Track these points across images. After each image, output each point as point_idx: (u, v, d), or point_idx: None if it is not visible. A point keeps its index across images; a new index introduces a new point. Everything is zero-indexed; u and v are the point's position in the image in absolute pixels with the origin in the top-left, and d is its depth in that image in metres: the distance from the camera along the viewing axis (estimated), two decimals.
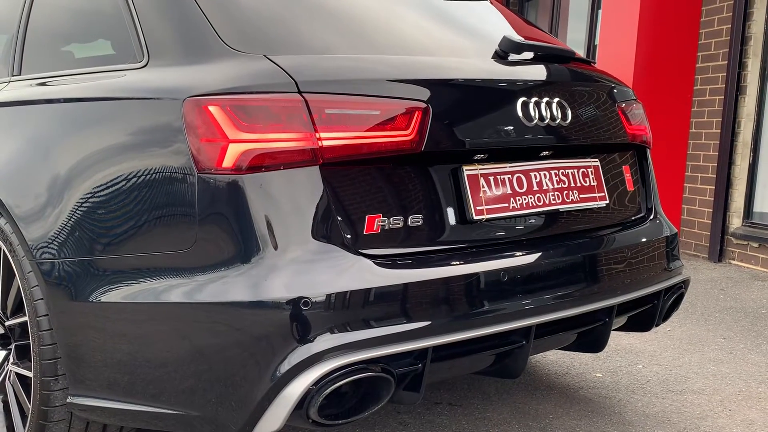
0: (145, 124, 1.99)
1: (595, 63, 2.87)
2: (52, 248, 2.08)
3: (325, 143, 1.86)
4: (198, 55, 1.99)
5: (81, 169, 2.09)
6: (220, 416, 1.87)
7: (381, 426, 2.69)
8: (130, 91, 2.05)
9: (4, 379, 2.34)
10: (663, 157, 6.22)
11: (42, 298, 2.09)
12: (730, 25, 6.01)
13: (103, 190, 2.01)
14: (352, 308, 1.83)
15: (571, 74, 2.48)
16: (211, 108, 1.84)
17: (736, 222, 6.00)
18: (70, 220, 2.06)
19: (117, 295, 1.95)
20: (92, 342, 2.03)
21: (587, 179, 2.40)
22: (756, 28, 5.84)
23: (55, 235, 2.08)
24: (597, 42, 7.29)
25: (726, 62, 6.05)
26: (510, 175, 2.20)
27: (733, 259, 6.00)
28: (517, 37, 2.35)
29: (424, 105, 1.99)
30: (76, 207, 2.06)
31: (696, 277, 5.42)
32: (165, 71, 2.01)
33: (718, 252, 6.07)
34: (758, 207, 5.95)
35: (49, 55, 2.64)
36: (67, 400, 2.08)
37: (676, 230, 2.70)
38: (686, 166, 6.50)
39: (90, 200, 2.04)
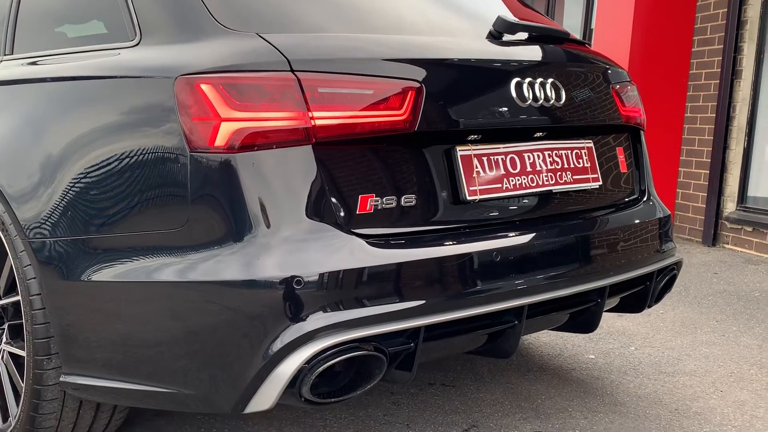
0: (137, 103, 1.98)
1: (589, 44, 2.86)
2: (45, 228, 2.08)
3: (318, 122, 1.86)
4: (190, 33, 1.97)
5: (73, 148, 2.08)
6: (213, 395, 1.88)
7: (374, 406, 2.70)
8: (122, 70, 2.04)
9: None
10: (658, 141, 6.22)
11: (34, 277, 2.09)
12: (726, 9, 6.00)
13: (95, 169, 2.01)
14: (344, 287, 1.83)
15: (565, 55, 2.47)
16: (203, 86, 1.83)
17: (730, 206, 6.01)
18: (62, 199, 2.06)
19: (109, 274, 1.95)
20: (85, 321, 2.03)
21: (581, 160, 2.40)
22: (752, 12, 5.83)
23: (48, 215, 2.08)
24: (593, 26, 7.27)
25: (722, 46, 6.04)
26: (503, 156, 2.19)
27: (727, 243, 6.02)
28: (512, 18, 2.34)
29: (417, 85, 1.99)
30: (69, 186, 2.05)
31: (690, 261, 5.44)
32: (157, 50, 2.00)
33: (712, 236, 6.09)
34: (752, 191, 5.96)
35: (42, 35, 2.62)
36: (60, 379, 2.08)
37: (669, 212, 2.71)
38: (681, 150, 6.51)
39: (82, 180, 2.03)
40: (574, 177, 2.37)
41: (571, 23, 8.01)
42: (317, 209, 1.86)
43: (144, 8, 2.09)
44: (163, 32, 2.03)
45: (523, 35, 2.36)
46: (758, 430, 2.61)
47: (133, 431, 2.46)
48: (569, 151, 2.37)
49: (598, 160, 2.47)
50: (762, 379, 3.10)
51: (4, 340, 2.31)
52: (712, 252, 5.87)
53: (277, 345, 1.77)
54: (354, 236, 1.89)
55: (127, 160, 1.95)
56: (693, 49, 6.38)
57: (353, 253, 1.86)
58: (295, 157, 1.85)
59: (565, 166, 2.34)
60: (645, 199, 2.66)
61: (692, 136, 6.39)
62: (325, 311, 1.80)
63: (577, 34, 7.66)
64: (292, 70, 1.85)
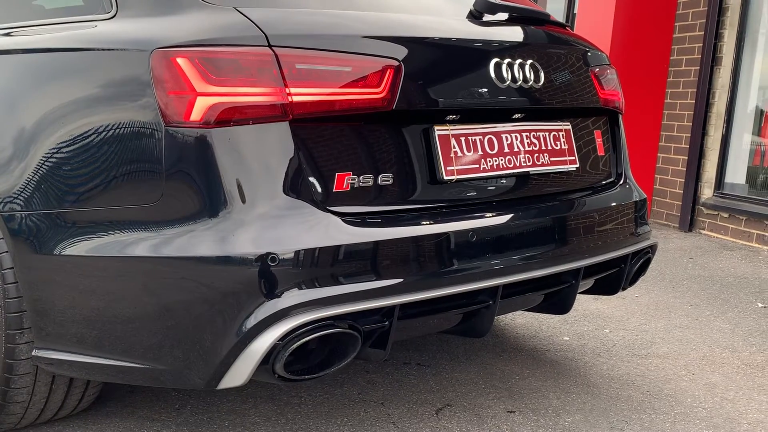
0: (112, 77, 1.96)
1: (570, 26, 2.86)
2: (18, 201, 2.05)
3: (295, 98, 1.84)
4: (167, 6, 1.95)
5: (47, 121, 2.05)
6: (187, 370, 1.88)
7: (350, 384, 2.71)
8: (97, 42, 2.01)
9: None
10: (638, 127, 6.26)
11: (7, 251, 2.07)
12: None
13: (69, 142, 1.98)
14: (319, 265, 1.83)
15: (545, 37, 2.47)
16: (179, 60, 1.81)
17: (707, 192, 6.06)
18: (36, 173, 2.03)
19: (83, 248, 1.93)
20: (57, 295, 2.02)
21: (558, 143, 2.41)
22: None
23: (21, 188, 2.05)
24: (576, 10, 7.28)
25: (703, 33, 6.07)
26: (481, 137, 2.19)
27: (704, 229, 6.07)
28: None
29: (396, 63, 1.98)
30: (43, 160, 2.03)
31: (666, 246, 5.49)
32: (133, 22, 1.97)
33: (689, 222, 6.14)
34: (729, 178, 6.02)
35: (18, 6, 2.58)
36: (33, 354, 2.07)
37: (645, 196, 2.72)
38: (660, 135, 6.55)
39: (56, 153, 2.01)
40: (552, 159, 2.37)
41: (555, 8, 8.01)
42: (293, 186, 1.85)
43: None
44: (140, 4, 2.01)
45: (503, 16, 2.35)
46: (728, 412, 2.64)
47: (107, 406, 2.45)
48: (547, 133, 2.37)
49: (575, 142, 2.48)
50: (733, 362, 3.14)
51: None
52: (688, 237, 5.93)
53: (251, 322, 1.77)
54: (330, 214, 1.88)
55: (102, 133, 1.93)
56: (674, 35, 6.41)
57: (329, 230, 1.86)
58: (272, 134, 1.84)
59: (543, 147, 2.35)
60: (621, 182, 2.68)
61: (671, 122, 6.43)
62: (299, 288, 1.80)
63: (559, 19, 7.66)
64: (269, 45, 1.84)
